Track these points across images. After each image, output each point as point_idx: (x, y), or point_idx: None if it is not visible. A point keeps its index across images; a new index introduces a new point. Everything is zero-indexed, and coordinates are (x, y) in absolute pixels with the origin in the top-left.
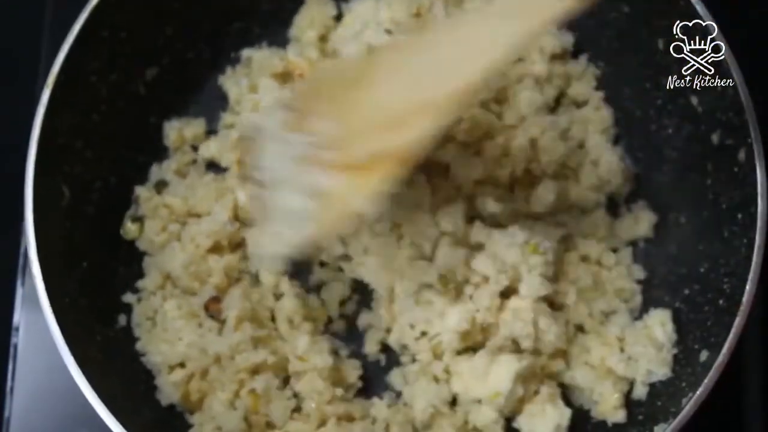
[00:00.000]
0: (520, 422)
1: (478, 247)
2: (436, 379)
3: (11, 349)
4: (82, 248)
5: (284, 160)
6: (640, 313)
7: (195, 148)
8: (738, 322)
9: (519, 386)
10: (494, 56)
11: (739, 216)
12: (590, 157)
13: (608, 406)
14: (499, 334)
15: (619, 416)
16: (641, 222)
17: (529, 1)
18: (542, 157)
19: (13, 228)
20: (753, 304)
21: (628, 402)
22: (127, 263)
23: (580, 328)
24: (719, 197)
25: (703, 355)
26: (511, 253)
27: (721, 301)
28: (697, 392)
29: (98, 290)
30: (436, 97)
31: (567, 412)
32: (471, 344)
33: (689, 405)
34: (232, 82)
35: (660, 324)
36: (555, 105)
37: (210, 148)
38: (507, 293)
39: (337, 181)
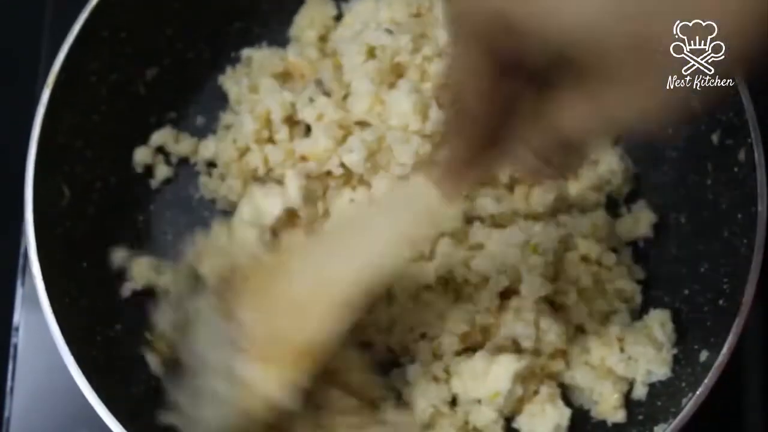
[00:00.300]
0: (520, 422)
1: (478, 248)
2: (436, 380)
3: (11, 349)
4: (82, 248)
5: (213, 345)
6: (639, 314)
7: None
8: (738, 322)
9: (518, 386)
10: (376, 251)
11: (739, 216)
12: (590, 157)
13: (608, 406)
14: (499, 334)
15: (619, 416)
16: (641, 222)
17: (411, 198)
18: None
19: (13, 228)
20: (753, 304)
21: (628, 402)
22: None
23: (580, 329)
24: (719, 197)
25: (703, 355)
26: (510, 253)
27: (721, 301)
28: (697, 392)
29: (98, 290)
30: (331, 290)
31: (567, 412)
32: (470, 345)
33: (689, 405)
34: (232, 81)
35: (660, 324)
36: None
37: (209, 149)
38: (507, 294)
39: (252, 370)
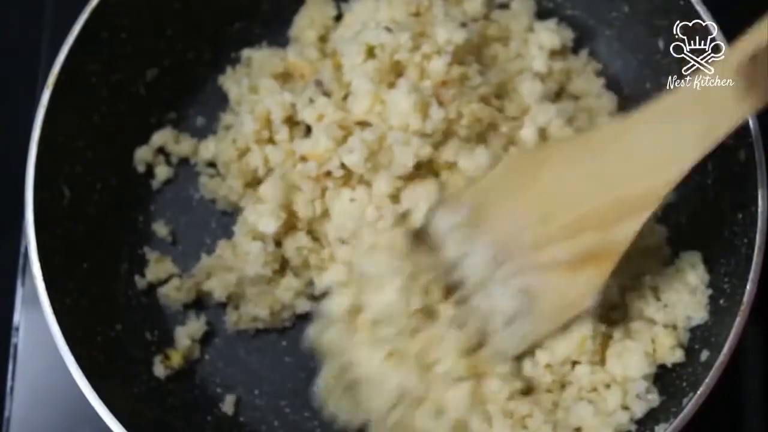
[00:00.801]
0: (611, 365)
1: None
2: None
3: (11, 349)
4: (82, 249)
5: (478, 265)
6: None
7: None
8: (738, 322)
9: (599, 324)
10: (688, 161)
11: (740, 216)
12: None
13: (665, 349)
14: None
15: (677, 356)
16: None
17: (706, 100)
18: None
19: (13, 228)
20: (753, 304)
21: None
22: (129, 263)
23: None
24: (720, 197)
25: (704, 355)
26: None
27: (721, 301)
28: (698, 392)
29: (99, 291)
30: (635, 194)
31: (647, 341)
32: None
33: (690, 405)
34: (232, 81)
35: (691, 266)
36: (555, 98)
37: (209, 149)
38: None
39: (550, 280)
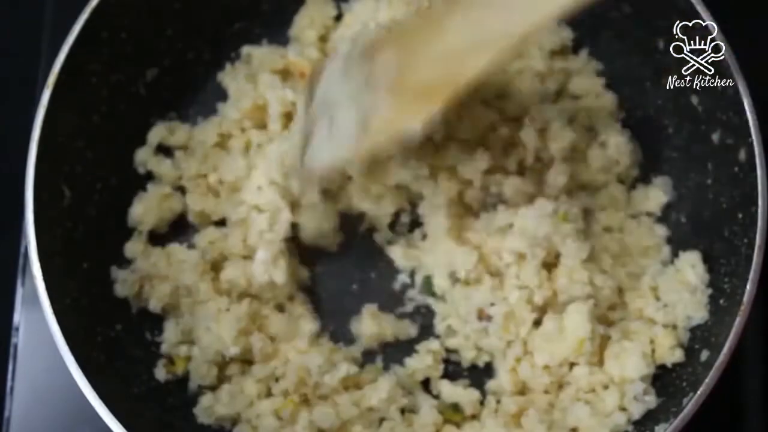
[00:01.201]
0: (609, 366)
1: (508, 228)
2: (519, 360)
3: (11, 349)
4: (82, 249)
5: (344, 82)
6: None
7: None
8: (738, 321)
9: (597, 325)
10: (551, 11)
11: (740, 216)
12: (599, 139)
13: (664, 349)
14: (558, 301)
15: (677, 356)
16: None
17: None
18: (552, 145)
19: (13, 228)
20: (754, 304)
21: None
22: (128, 264)
23: (619, 289)
24: (720, 197)
25: (704, 355)
26: (542, 225)
27: (721, 301)
28: (698, 392)
29: (99, 291)
30: (491, 41)
31: (646, 342)
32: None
33: (690, 405)
34: (231, 78)
35: (690, 266)
36: (556, 98)
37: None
38: (548, 266)
39: (390, 102)
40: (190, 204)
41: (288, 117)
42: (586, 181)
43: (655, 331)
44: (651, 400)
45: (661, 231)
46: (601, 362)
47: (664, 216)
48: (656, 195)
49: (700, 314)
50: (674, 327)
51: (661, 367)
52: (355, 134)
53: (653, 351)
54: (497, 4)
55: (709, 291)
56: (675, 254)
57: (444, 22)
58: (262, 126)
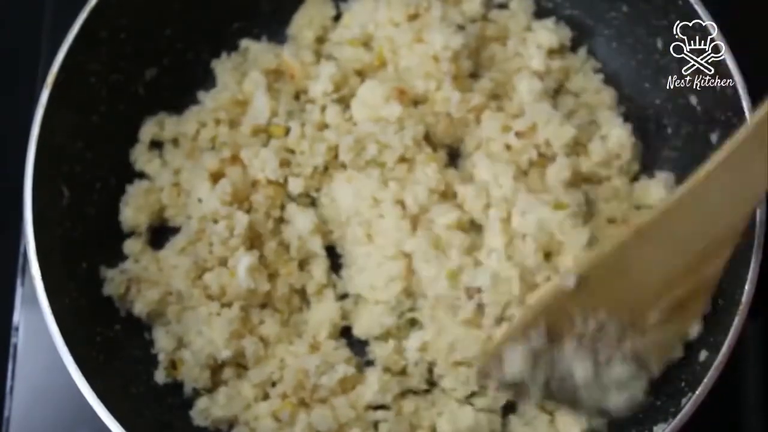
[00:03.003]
0: None
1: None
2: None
3: (11, 349)
4: (81, 249)
5: (571, 369)
6: None
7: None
8: (737, 322)
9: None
10: (756, 197)
11: None
12: (600, 132)
13: None
14: None
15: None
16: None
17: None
18: (554, 142)
19: (12, 227)
20: (752, 304)
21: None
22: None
23: None
24: None
25: (703, 355)
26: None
27: (720, 301)
28: (697, 392)
29: (98, 291)
30: (716, 239)
31: None
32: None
33: (689, 405)
34: (222, 68)
35: None
36: (555, 95)
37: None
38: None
39: (654, 336)
40: (166, 203)
41: (263, 130)
42: (589, 174)
43: None
44: None
45: None
46: None
47: None
48: (659, 188)
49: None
50: None
51: None
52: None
53: None
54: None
55: None
56: None
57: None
58: (235, 124)
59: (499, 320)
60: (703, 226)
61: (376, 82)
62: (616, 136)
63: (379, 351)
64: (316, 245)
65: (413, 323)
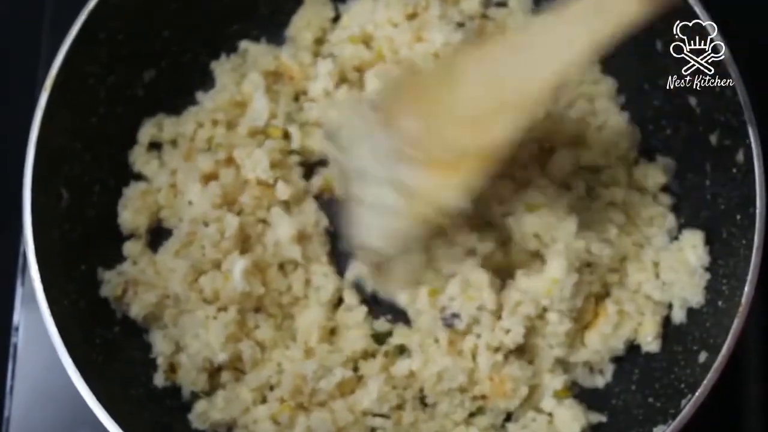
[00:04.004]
0: (590, 340)
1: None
2: None
3: (11, 349)
4: (80, 250)
5: (371, 156)
6: (676, 235)
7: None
8: (737, 323)
9: (574, 273)
10: (569, 58)
11: (738, 217)
12: (597, 121)
13: (645, 334)
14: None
15: (652, 346)
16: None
17: (604, 6)
18: (554, 135)
19: (12, 228)
20: (752, 306)
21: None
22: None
23: (622, 258)
24: (718, 198)
25: (702, 357)
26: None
27: (720, 302)
28: (696, 393)
29: (97, 293)
30: (516, 98)
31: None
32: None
33: (688, 406)
34: (221, 68)
35: (692, 246)
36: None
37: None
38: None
39: (423, 177)
40: (162, 204)
41: (260, 132)
42: (588, 164)
43: (646, 316)
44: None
45: (665, 199)
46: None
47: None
48: (658, 172)
49: (696, 298)
50: (670, 306)
51: (661, 369)
52: (401, 209)
53: (636, 332)
54: (512, 57)
55: (707, 275)
56: (680, 227)
57: (461, 78)
58: (232, 126)
59: (475, 344)
60: (510, 76)
61: (382, 69)
62: (613, 124)
63: (367, 370)
64: (295, 252)
65: (402, 350)
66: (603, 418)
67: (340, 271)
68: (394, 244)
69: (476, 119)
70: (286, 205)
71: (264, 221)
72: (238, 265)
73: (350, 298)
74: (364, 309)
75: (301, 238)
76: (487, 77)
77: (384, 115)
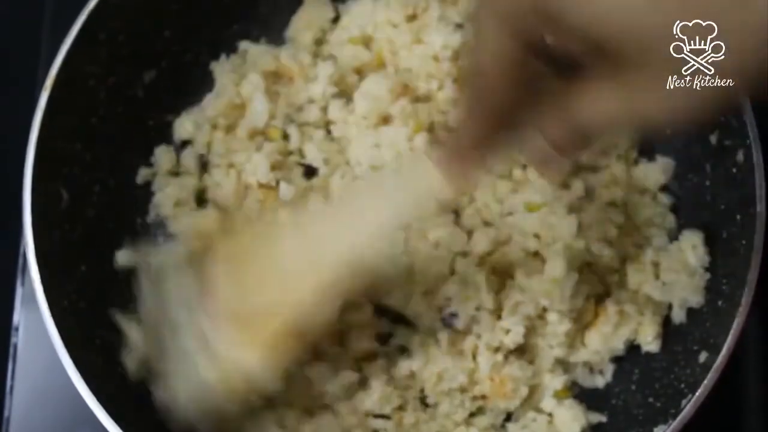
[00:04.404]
0: (590, 340)
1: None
2: None
3: (11, 349)
4: (81, 251)
5: (187, 308)
6: (676, 235)
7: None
8: (737, 323)
9: (574, 273)
10: (371, 230)
11: (738, 217)
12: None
13: (645, 335)
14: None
15: (652, 346)
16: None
17: (409, 184)
18: None
19: (12, 227)
20: (752, 306)
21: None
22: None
23: (622, 258)
24: (718, 198)
25: (702, 357)
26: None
27: (720, 302)
28: (696, 393)
29: (97, 294)
30: (319, 265)
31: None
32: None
33: (688, 406)
34: (221, 70)
35: (692, 247)
36: None
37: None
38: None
39: (228, 345)
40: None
41: (259, 133)
42: (588, 165)
43: (646, 316)
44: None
45: (665, 199)
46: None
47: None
48: (658, 172)
49: (696, 298)
50: (670, 307)
51: (661, 369)
52: (207, 368)
53: (637, 332)
54: (322, 226)
55: (707, 275)
56: (680, 227)
57: (276, 239)
58: (231, 129)
59: (475, 345)
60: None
61: (380, 77)
62: None
63: (370, 371)
64: None
65: (402, 350)
66: (603, 418)
67: None
68: (203, 412)
69: (280, 287)
70: (292, 206)
71: None
72: None
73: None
74: (371, 307)
75: None
76: (300, 243)
77: (198, 268)
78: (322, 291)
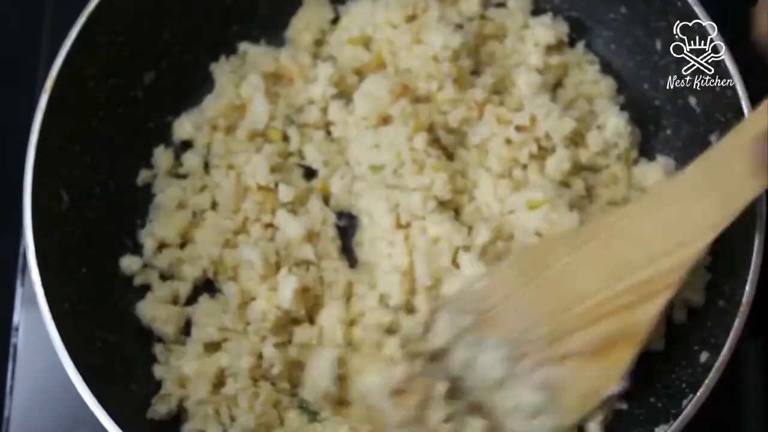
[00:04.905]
0: None
1: None
2: None
3: (11, 349)
4: (81, 253)
5: (489, 363)
6: None
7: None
8: (738, 323)
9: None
10: (702, 241)
11: (738, 217)
12: (597, 122)
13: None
14: None
15: (655, 346)
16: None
17: (717, 180)
18: (554, 135)
19: (12, 228)
20: (752, 306)
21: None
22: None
23: None
24: None
25: (703, 357)
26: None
27: (720, 303)
28: (698, 393)
29: (97, 295)
30: (651, 278)
31: None
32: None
33: (690, 406)
34: (221, 71)
35: None
36: (554, 87)
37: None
38: None
39: (573, 370)
40: None
41: (259, 134)
42: (588, 164)
43: None
44: None
45: None
46: None
47: None
48: (658, 171)
49: (696, 298)
50: (670, 306)
51: (662, 368)
52: (545, 411)
53: None
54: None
55: (708, 275)
56: None
57: (578, 265)
58: (230, 130)
59: None
60: (634, 258)
61: (380, 77)
62: (612, 124)
63: None
64: (308, 252)
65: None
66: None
67: (351, 264)
68: None
69: (612, 304)
70: (292, 207)
71: (271, 225)
72: (289, 283)
73: (361, 288)
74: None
75: (311, 237)
76: (607, 262)
77: (479, 319)
78: (665, 294)
